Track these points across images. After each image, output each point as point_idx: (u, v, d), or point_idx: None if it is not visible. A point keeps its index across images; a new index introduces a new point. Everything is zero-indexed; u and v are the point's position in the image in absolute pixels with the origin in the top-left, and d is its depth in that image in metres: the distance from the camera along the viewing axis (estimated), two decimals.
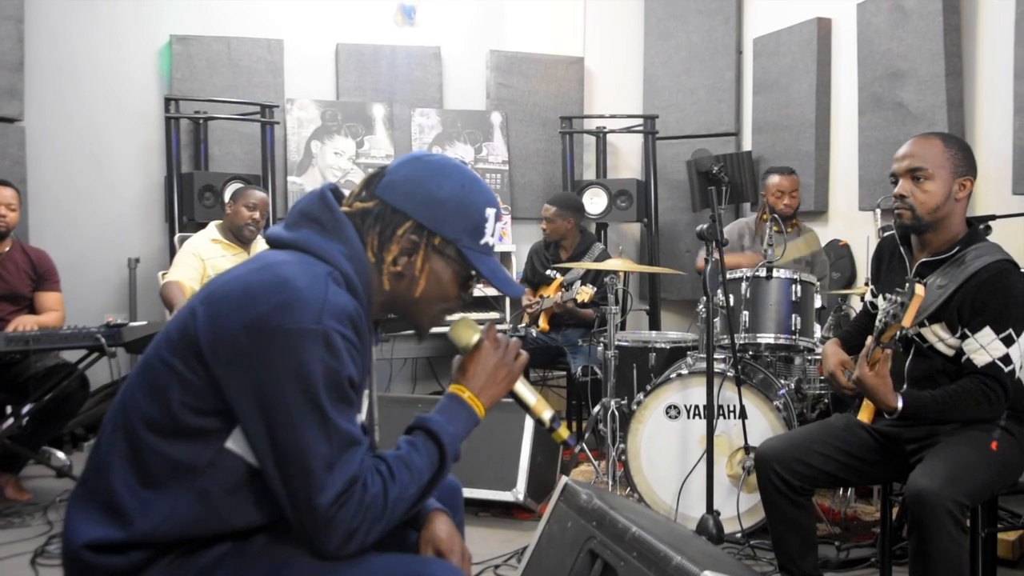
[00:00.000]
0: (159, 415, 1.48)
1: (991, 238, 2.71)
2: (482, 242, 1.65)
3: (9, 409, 3.86)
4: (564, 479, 2.49)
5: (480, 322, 1.76)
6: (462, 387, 1.68)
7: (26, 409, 3.87)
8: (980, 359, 2.49)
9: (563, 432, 1.77)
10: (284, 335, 1.41)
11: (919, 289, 2.39)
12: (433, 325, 1.71)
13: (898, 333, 2.48)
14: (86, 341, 3.82)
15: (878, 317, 2.50)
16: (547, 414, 1.76)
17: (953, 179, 2.56)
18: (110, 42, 5.70)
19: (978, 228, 2.67)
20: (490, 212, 1.66)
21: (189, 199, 5.30)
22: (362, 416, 1.64)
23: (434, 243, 1.62)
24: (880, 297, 2.81)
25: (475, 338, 1.70)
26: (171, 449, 1.47)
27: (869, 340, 2.55)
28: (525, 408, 1.77)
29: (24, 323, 4.05)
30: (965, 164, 2.58)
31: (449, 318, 1.71)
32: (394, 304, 1.67)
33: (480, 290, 5.76)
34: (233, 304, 1.47)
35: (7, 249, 4.26)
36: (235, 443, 1.48)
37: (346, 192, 1.69)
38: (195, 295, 1.57)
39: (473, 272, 1.66)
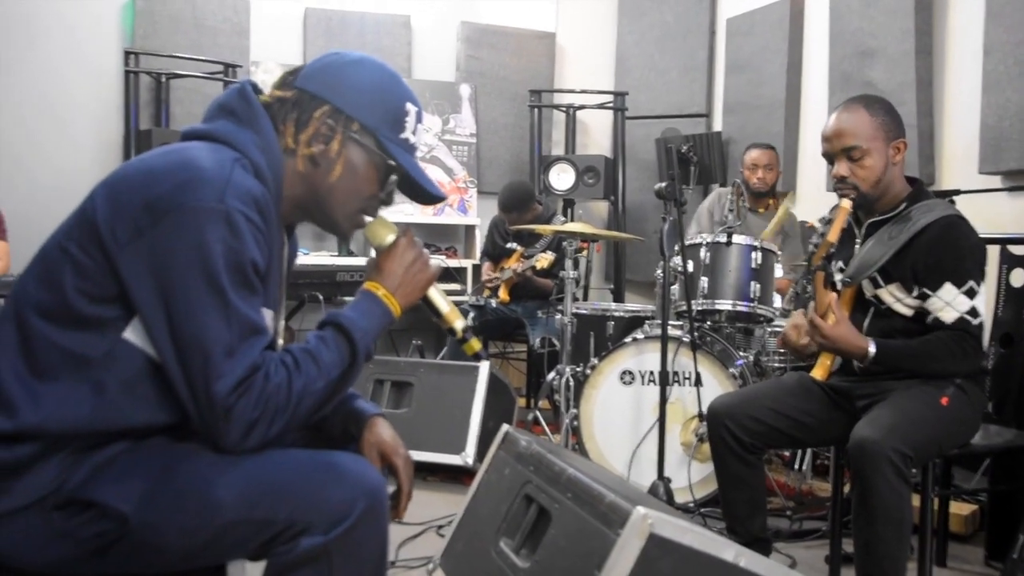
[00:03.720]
0: (53, 302, 1.40)
1: None
2: (402, 136, 1.60)
3: None
4: (505, 427, 2.39)
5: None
6: (376, 284, 1.61)
7: None
8: (948, 316, 2.41)
9: (475, 344, 1.73)
10: (183, 213, 1.35)
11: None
12: (350, 225, 1.64)
13: (827, 252, 2.47)
14: None
15: (811, 243, 2.46)
16: (459, 323, 1.71)
17: (887, 146, 2.50)
18: None
19: (923, 185, 2.61)
20: (411, 108, 1.62)
21: None
22: (268, 318, 1.54)
23: (352, 129, 1.57)
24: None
25: (391, 237, 1.65)
26: (65, 338, 1.39)
27: (811, 304, 2.53)
28: (437, 315, 1.71)
29: None
30: (895, 126, 2.52)
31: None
32: (308, 199, 1.60)
33: (442, 261, 5.65)
34: (133, 184, 1.40)
35: None
36: (133, 334, 1.40)
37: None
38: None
39: (391, 163, 1.59)
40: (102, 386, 1.39)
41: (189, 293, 1.35)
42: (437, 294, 1.70)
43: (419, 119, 1.63)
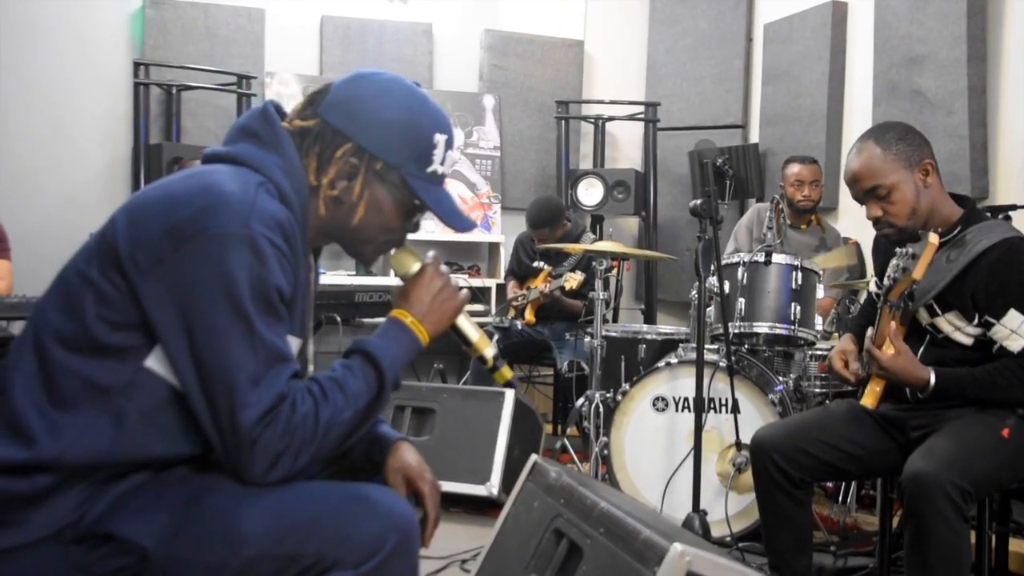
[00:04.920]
0: (73, 330, 1.42)
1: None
2: (429, 170, 1.62)
3: None
4: (534, 457, 2.38)
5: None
6: (404, 312, 1.63)
7: None
8: (1015, 344, 2.39)
9: (506, 372, 1.75)
10: (206, 238, 1.37)
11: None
12: (377, 255, 1.68)
13: (908, 288, 2.41)
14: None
15: (886, 275, 2.43)
16: (489, 351, 1.75)
17: (912, 174, 2.48)
18: (80, 4, 5.61)
19: (974, 204, 2.59)
20: (439, 138, 1.62)
21: (157, 172, 5.18)
22: (294, 346, 1.57)
23: (375, 168, 1.59)
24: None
25: (416, 265, 1.69)
26: (85, 367, 1.41)
27: (869, 331, 2.49)
28: (466, 343, 1.74)
29: None
30: (914, 150, 2.49)
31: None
32: (333, 230, 1.63)
33: (464, 280, 5.67)
34: (155, 209, 1.42)
35: None
36: (155, 362, 1.42)
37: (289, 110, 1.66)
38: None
39: (417, 202, 1.62)
40: (123, 416, 1.41)
41: (213, 320, 1.37)
42: (466, 322, 1.73)
43: (449, 145, 1.64)
